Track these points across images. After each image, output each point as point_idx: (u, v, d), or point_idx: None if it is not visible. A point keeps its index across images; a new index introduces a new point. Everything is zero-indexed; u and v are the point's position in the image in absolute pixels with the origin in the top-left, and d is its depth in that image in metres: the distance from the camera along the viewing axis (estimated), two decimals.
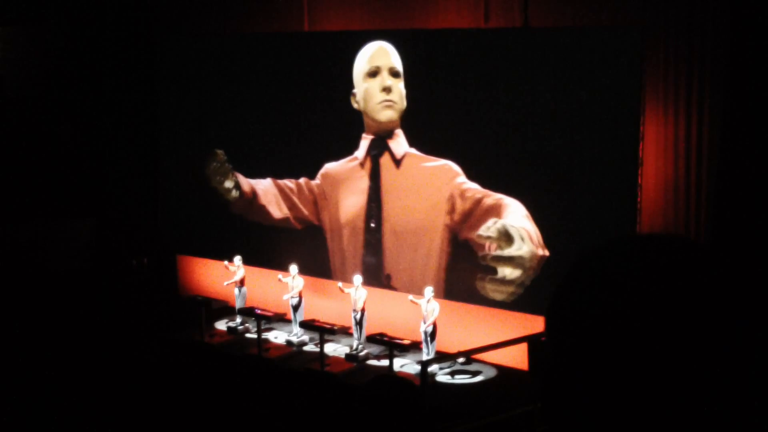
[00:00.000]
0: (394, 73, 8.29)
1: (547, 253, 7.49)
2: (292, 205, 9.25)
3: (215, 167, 9.72)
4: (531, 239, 7.53)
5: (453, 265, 8.15)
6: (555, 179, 7.57)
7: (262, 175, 9.54)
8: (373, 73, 8.39)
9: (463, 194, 8.02)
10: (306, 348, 8.79)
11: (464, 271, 8.09)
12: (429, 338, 7.94)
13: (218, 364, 8.58)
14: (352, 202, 8.75)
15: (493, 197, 7.85)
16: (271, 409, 7.48)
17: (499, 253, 7.66)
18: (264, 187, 9.42)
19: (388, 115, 8.35)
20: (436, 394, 7.31)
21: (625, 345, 1.03)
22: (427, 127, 8.31)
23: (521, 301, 7.58)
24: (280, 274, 9.04)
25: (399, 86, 8.28)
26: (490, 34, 8.02)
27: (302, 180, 9.16)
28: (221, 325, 9.43)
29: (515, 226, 7.61)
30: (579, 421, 1.07)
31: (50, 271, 10.17)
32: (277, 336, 9.08)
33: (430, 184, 8.22)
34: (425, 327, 7.92)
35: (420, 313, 7.97)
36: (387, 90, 8.28)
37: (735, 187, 6.91)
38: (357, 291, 8.37)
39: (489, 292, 7.82)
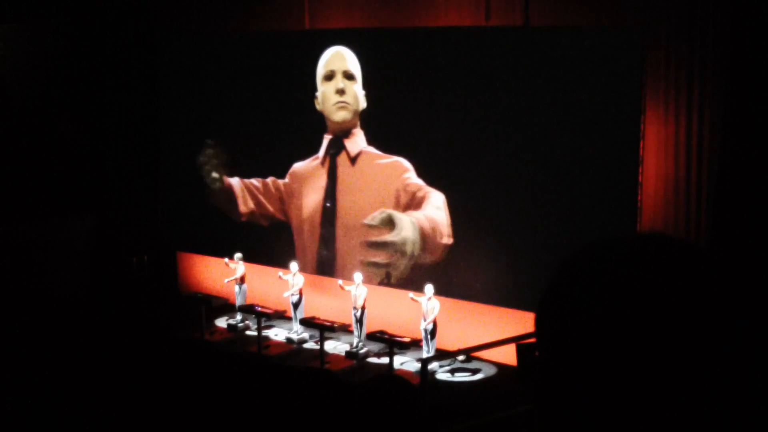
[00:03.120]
0: (348, 76, 8.65)
1: (450, 241, 8.11)
2: (257, 202, 9.54)
3: (210, 154, 9.81)
4: (422, 228, 8.16)
5: None
6: (555, 178, 7.57)
7: (261, 173, 9.56)
8: (329, 77, 8.75)
9: (405, 189, 8.39)
10: (306, 345, 8.80)
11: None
12: (429, 336, 7.95)
13: (218, 362, 8.58)
14: (312, 200, 9.12)
15: (423, 190, 8.27)
16: (271, 406, 7.49)
17: (373, 239, 8.28)
18: (235, 183, 9.72)
19: (341, 115, 8.76)
20: (436, 392, 7.32)
21: (617, 345, 1.02)
22: (427, 126, 8.32)
23: (522, 299, 7.58)
24: (280, 272, 9.05)
25: (353, 88, 8.63)
26: (491, 32, 8.03)
27: (269, 179, 9.45)
28: (221, 323, 9.44)
29: (401, 216, 8.22)
30: (575, 422, 1.07)
31: (50, 269, 10.17)
32: (278, 333, 9.09)
33: (381, 181, 8.56)
34: (425, 325, 7.93)
35: (420, 310, 7.98)
36: (341, 92, 8.68)
37: (735, 186, 6.92)
38: (357, 288, 8.38)
39: (368, 273, 8.39)
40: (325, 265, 9.08)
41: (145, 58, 10.51)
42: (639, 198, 7.18)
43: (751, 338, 1.04)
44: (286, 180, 9.34)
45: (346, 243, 8.88)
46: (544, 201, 7.65)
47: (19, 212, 10.49)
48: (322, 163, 9.00)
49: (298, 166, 9.24)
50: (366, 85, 8.72)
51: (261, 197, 9.53)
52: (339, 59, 8.73)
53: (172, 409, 7.21)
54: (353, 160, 8.77)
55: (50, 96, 10.98)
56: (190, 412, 7.22)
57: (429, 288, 7.98)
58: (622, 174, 7.21)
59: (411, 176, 8.34)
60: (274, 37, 9.41)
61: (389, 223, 8.20)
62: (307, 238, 9.19)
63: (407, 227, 8.23)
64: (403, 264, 8.32)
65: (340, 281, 8.64)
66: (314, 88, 9.00)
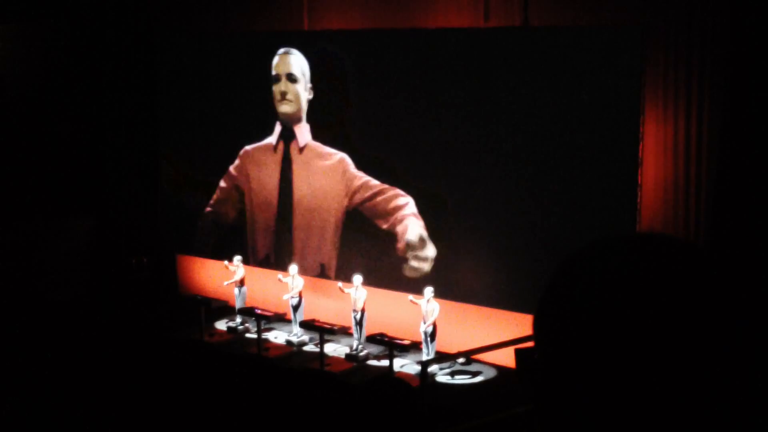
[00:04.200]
0: (291, 79, 9.18)
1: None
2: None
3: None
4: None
5: (345, 243, 8.99)
6: (555, 179, 7.57)
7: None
8: (275, 79, 9.29)
9: (363, 185, 8.80)
10: (306, 348, 8.79)
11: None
12: (429, 338, 7.94)
13: (218, 364, 8.58)
14: (267, 184, 9.59)
15: (388, 193, 8.67)
16: (271, 409, 7.48)
17: (419, 254, 8.53)
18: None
19: (282, 108, 9.35)
20: (436, 395, 7.30)
21: (616, 345, 1.02)
22: (427, 126, 8.31)
23: (522, 301, 7.57)
24: (279, 274, 9.05)
25: (295, 88, 9.18)
26: (490, 33, 8.02)
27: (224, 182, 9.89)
28: (221, 325, 9.43)
29: (424, 235, 8.53)
30: (575, 424, 1.06)
31: (50, 270, 10.17)
32: (277, 336, 9.08)
33: (327, 174, 9.03)
34: (425, 327, 7.92)
35: (420, 313, 7.97)
36: (283, 94, 9.28)
37: (734, 186, 6.91)
38: (357, 291, 8.37)
39: (407, 273, 8.60)
40: (280, 251, 9.47)
41: (145, 59, 10.51)
42: (638, 198, 7.17)
43: (750, 338, 1.03)
44: (235, 163, 9.77)
45: (302, 224, 9.27)
46: (544, 202, 7.64)
47: (20, 213, 10.48)
48: (275, 148, 9.47)
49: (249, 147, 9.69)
50: (366, 87, 8.70)
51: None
52: (282, 63, 9.22)
53: (172, 410, 7.21)
54: (301, 150, 9.27)
55: (50, 97, 10.98)
56: (190, 414, 7.22)
57: (428, 290, 7.97)
58: (622, 174, 7.20)
59: (360, 173, 8.80)
60: (273, 37, 9.41)
61: (422, 241, 8.53)
62: (261, 223, 9.62)
63: (429, 240, 8.53)
64: (423, 269, 8.54)
65: (339, 284, 8.63)
66: (315, 88, 9.07)
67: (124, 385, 7.59)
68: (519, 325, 7.45)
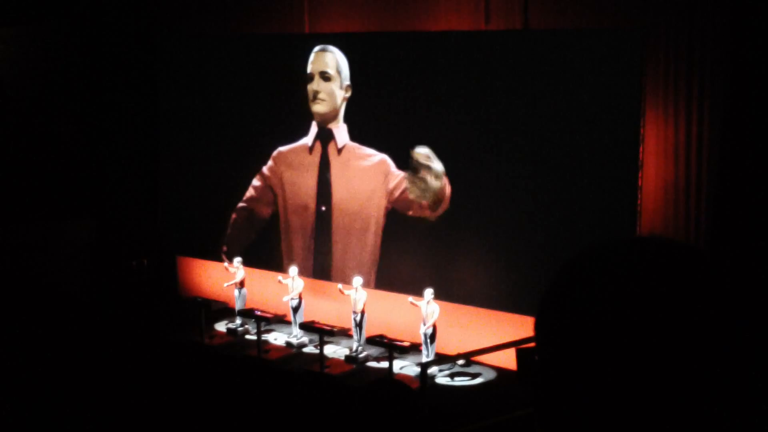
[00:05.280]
0: (325, 77, 8.94)
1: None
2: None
3: None
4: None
5: (386, 246, 8.72)
6: (555, 181, 7.57)
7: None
8: (309, 79, 9.04)
9: (399, 181, 8.56)
10: (306, 350, 8.79)
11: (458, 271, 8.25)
12: (429, 340, 7.93)
13: (218, 366, 8.57)
14: (304, 186, 9.31)
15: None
16: (271, 410, 7.48)
17: (427, 164, 8.34)
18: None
19: (314, 108, 9.06)
20: (436, 397, 7.30)
21: (617, 347, 1.02)
22: (427, 127, 8.32)
23: (522, 303, 7.57)
24: (279, 276, 9.05)
25: (330, 87, 8.92)
26: (491, 36, 8.02)
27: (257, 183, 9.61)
28: (221, 327, 9.43)
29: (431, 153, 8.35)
30: (576, 425, 1.06)
31: (49, 272, 10.16)
32: (277, 337, 9.08)
33: (367, 175, 8.77)
34: (425, 329, 7.92)
35: (420, 315, 7.97)
36: (315, 93, 9.02)
37: (735, 188, 6.91)
38: (357, 293, 8.37)
39: (412, 195, 8.50)
40: (319, 256, 9.17)
41: (145, 61, 10.52)
42: (639, 200, 7.17)
43: (751, 339, 1.03)
44: (269, 164, 9.50)
45: (342, 226, 8.98)
46: (544, 204, 7.65)
47: (19, 215, 10.48)
48: (311, 150, 9.19)
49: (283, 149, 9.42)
50: (366, 89, 8.71)
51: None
52: (317, 61, 8.98)
53: (172, 412, 7.20)
54: (339, 151, 8.99)
55: (50, 99, 10.98)
56: (190, 416, 7.21)
57: (428, 292, 7.97)
58: (622, 176, 7.20)
59: (401, 172, 8.54)
60: (273, 39, 9.41)
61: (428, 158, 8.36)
62: (297, 227, 9.33)
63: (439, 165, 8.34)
64: (433, 186, 8.34)
65: (339, 285, 8.63)
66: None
67: (124, 387, 7.59)
68: (518, 326, 7.45)
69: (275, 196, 9.49)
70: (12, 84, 11.03)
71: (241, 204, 9.73)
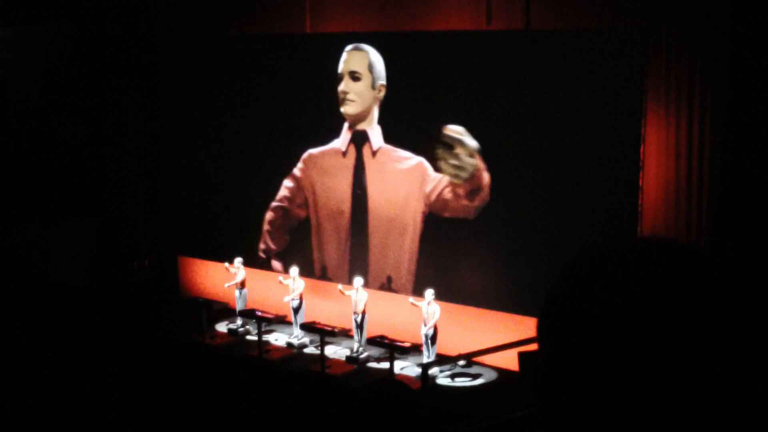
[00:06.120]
0: (354, 77, 8.69)
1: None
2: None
3: None
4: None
5: (424, 252, 8.45)
6: (556, 181, 7.56)
7: (261, 175, 9.57)
8: (339, 79, 8.80)
9: (435, 184, 8.31)
10: (306, 350, 8.78)
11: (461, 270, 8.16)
12: (429, 341, 7.93)
13: (219, 366, 8.57)
14: (338, 191, 8.99)
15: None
16: (271, 410, 7.48)
17: (452, 134, 8.08)
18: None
19: (343, 109, 8.81)
20: (437, 397, 7.30)
21: (619, 349, 1.02)
22: (428, 127, 8.31)
23: (522, 304, 7.57)
24: (280, 276, 9.05)
25: (359, 87, 8.67)
26: (492, 36, 8.02)
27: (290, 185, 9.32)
28: (222, 327, 9.43)
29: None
30: (577, 426, 1.06)
31: (51, 272, 10.17)
32: (278, 338, 9.08)
33: (404, 179, 8.50)
34: (426, 330, 7.92)
35: (420, 315, 7.97)
36: (344, 93, 8.77)
37: (736, 189, 6.91)
38: (358, 293, 8.36)
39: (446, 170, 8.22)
40: (354, 263, 8.89)
41: (147, 61, 10.52)
42: (640, 201, 7.17)
43: (752, 340, 1.03)
44: (299, 166, 9.23)
45: (378, 232, 8.70)
46: (545, 204, 7.64)
47: (21, 215, 10.49)
48: (345, 153, 8.91)
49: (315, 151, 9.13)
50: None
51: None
52: (349, 60, 8.73)
53: (173, 413, 7.20)
54: (374, 153, 8.72)
55: (52, 99, 10.99)
56: (191, 416, 7.21)
57: (429, 292, 7.97)
58: (623, 177, 7.20)
59: (438, 175, 8.28)
60: (275, 39, 9.41)
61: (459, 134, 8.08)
62: (331, 232, 9.06)
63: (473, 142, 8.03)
64: (467, 163, 8.02)
65: (340, 286, 8.63)
66: (314, 91, 9.04)
67: (125, 387, 7.59)
68: (519, 327, 7.45)
69: (306, 199, 9.24)
70: (13, 84, 11.04)
71: (275, 203, 9.42)
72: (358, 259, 8.85)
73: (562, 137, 7.49)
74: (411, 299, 8.09)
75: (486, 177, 7.92)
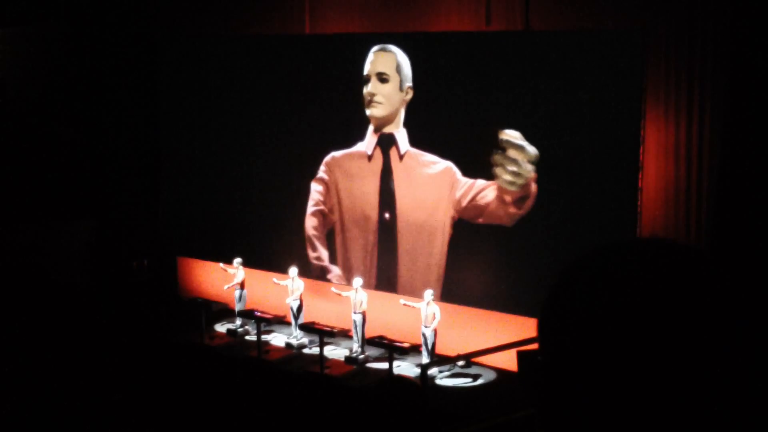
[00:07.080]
0: (381, 79, 8.47)
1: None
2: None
3: None
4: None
5: (454, 260, 8.22)
6: (555, 182, 7.56)
7: (260, 175, 9.56)
8: (365, 81, 8.57)
9: (466, 189, 8.10)
10: (306, 351, 8.78)
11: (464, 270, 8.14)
12: (429, 342, 7.92)
13: (218, 367, 8.57)
14: (364, 196, 8.74)
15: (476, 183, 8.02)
16: (271, 411, 7.48)
17: (513, 140, 7.72)
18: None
19: (369, 111, 8.58)
20: (436, 398, 7.30)
21: (619, 349, 1.02)
22: (428, 128, 8.32)
23: (522, 304, 7.57)
24: (274, 278, 9.02)
25: (386, 89, 8.45)
26: (492, 37, 8.02)
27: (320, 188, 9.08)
28: (221, 328, 9.43)
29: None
30: (577, 427, 1.06)
31: (50, 273, 10.17)
32: (277, 338, 9.08)
33: (432, 184, 8.29)
34: (428, 332, 7.91)
35: (419, 316, 7.97)
36: (371, 95, 8.54)
37: (736, 190, 6.90)
38: (357, 294, 8.36)
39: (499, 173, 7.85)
40: (383, 271, 8.68)
41: (146, 62, 10.52)
42: (639, 201, 7.17)
43: (751, 340, 1.03)
44: (323, 169, 9.03)
45: (408, 237, 8.46)
46: (544, 205, 7.64)
47: (20, 216, 10.48)
48: (370, 157, 8.69)
49: (338, 155, 8.93)
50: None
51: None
52: (375, 61, 8.54)
53: (172, 413, 7.20)
54: (401, 157, 8.52)
55: (51, 100, 10.98)
56: (190, 417, 7.21)
57: (428, 293, 7.97)
58: (622, 177, 7.20)
59: (467, 179, 8.10)
60: (274, 40, 9.41)
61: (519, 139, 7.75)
62: (357, 238, 8.83)
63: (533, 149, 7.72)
64: (526, 170, 7.66)
65: (333, 288, 8.63)
66: (314, 93, 9.02)
67: (124, 388, 7.59)
68: (518, 328, 7.45)
69: (332, 203, 9.01)
70: (13, 84, 11.03)
71: (313, 208, 9.06)
72: (387, 266, 8.62)
73: (560, 137, 7.49)
74: (402, 300, 8.08)
75: (534, 185, 7.68)
